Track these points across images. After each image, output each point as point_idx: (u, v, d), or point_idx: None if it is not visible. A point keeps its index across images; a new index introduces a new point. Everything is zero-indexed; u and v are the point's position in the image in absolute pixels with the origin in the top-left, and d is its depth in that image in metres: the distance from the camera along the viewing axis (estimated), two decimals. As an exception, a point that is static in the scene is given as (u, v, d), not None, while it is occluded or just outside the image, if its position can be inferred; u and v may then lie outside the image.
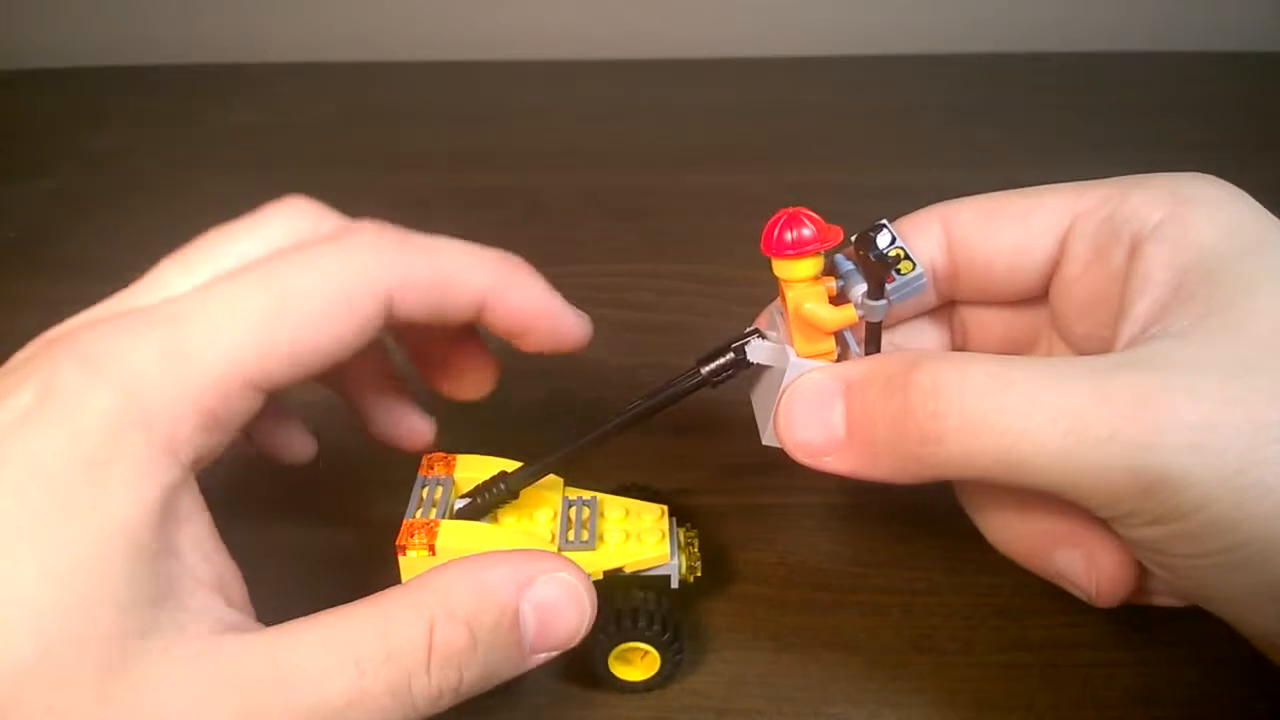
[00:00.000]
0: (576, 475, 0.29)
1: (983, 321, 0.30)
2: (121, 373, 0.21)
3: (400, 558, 0.26)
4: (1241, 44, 0.71)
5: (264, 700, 0.19)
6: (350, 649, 0.20)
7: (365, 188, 0.56)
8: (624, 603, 0.27)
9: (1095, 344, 0.26)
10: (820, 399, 0.24)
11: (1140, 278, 0.24)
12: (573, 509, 0.28)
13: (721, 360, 0.26)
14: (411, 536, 0.26)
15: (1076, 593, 0.26)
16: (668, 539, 0.27)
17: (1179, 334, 0.22)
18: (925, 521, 0.33)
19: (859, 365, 0.24)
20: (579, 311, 0.27)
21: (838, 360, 0.25)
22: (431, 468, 0.29)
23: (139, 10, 0.74)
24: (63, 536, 0.19)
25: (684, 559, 0.28)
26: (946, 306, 0.30)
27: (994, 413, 0.21)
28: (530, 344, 0.27)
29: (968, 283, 0.28)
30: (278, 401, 0.28)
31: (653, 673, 0.28)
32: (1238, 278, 0.22)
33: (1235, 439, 0.20)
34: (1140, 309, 0.23)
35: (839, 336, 0.26)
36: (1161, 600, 0.26)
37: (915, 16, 0.73)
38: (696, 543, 0.29)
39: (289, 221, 0.25)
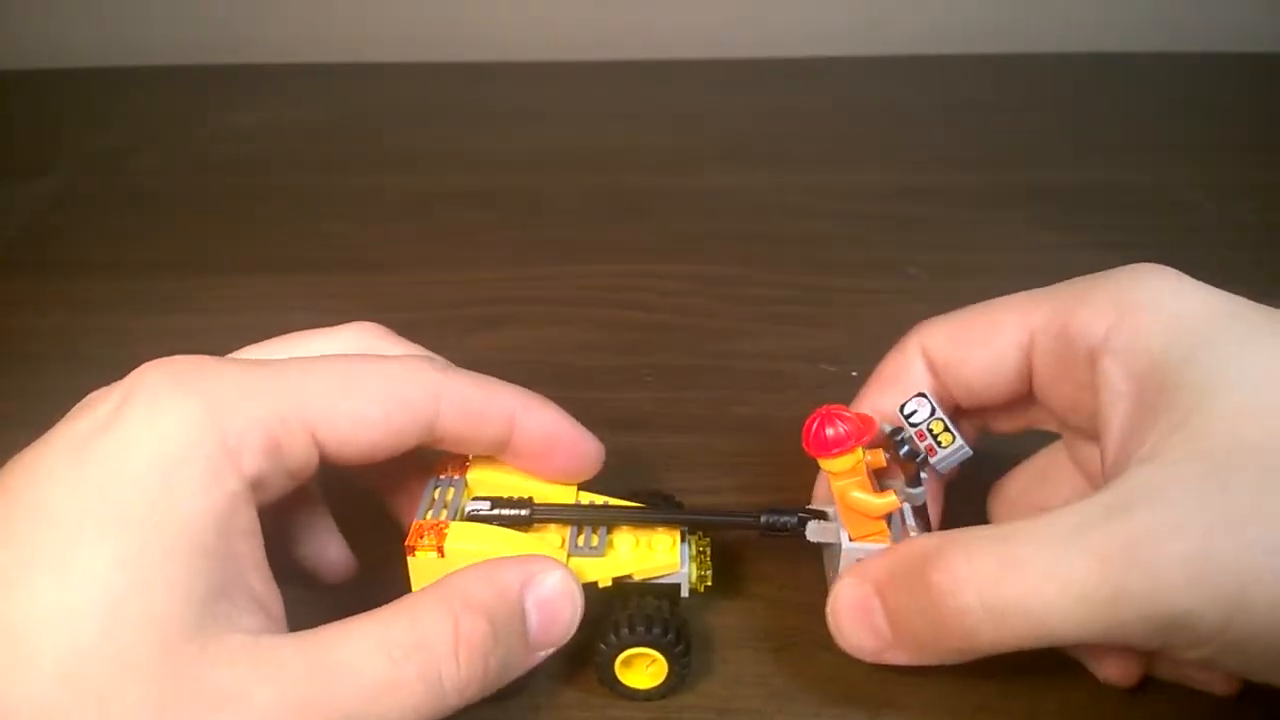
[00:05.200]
0: (588, 481, 0.29)
1: (991, 415, 0.31)
2: (204, 387, 0.22)
3: (409, 559, 0.26)
4: (1243, 45, 0.71)
5: (303, 687, 0.21)
6: (381, 640, 0.22)
7: (366, 188, 0.56)
8: (633, 609, 0.27)
9: (1094, 433, 0.27)
10: (860, 606, 0.26)
11: (1106, 391, 0.25)
12: None
13: (783, 523, 0.28)
14: (421, 538, 0.26)
15: None
16: (678, 547, 0.27)
17: (1150, 457, 0.23)
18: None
19: (880, 564, 0.26)
20: (593, 436, 0.28)
21: (894, 539, 0.27)
22: (445, 468, 0.28)
23: (140, 11, 0.74)
24: (137, 529, 0.20)
25: (694, 568, 0.28)
26: None
27: (1010, 600, 0.22)
28: (555, 465, 0.28)
29: (962, 399, 0.30)
30: (324, 516, 0.29)
31: (660, 680, 0.27)
32: (1190, 384, 0.23)
33: (1227, 563, 0.20)
34: (1115, 426, 0.25)
35: (892, 517, 0.27)
36: (1184, 680, 0.28)
37: (917, 17, 0.73)
38: (708, 551, 0.29)
39: (360, 335, 0.28)
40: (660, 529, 0.28)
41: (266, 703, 0.20)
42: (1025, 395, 0.29)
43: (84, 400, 0.24)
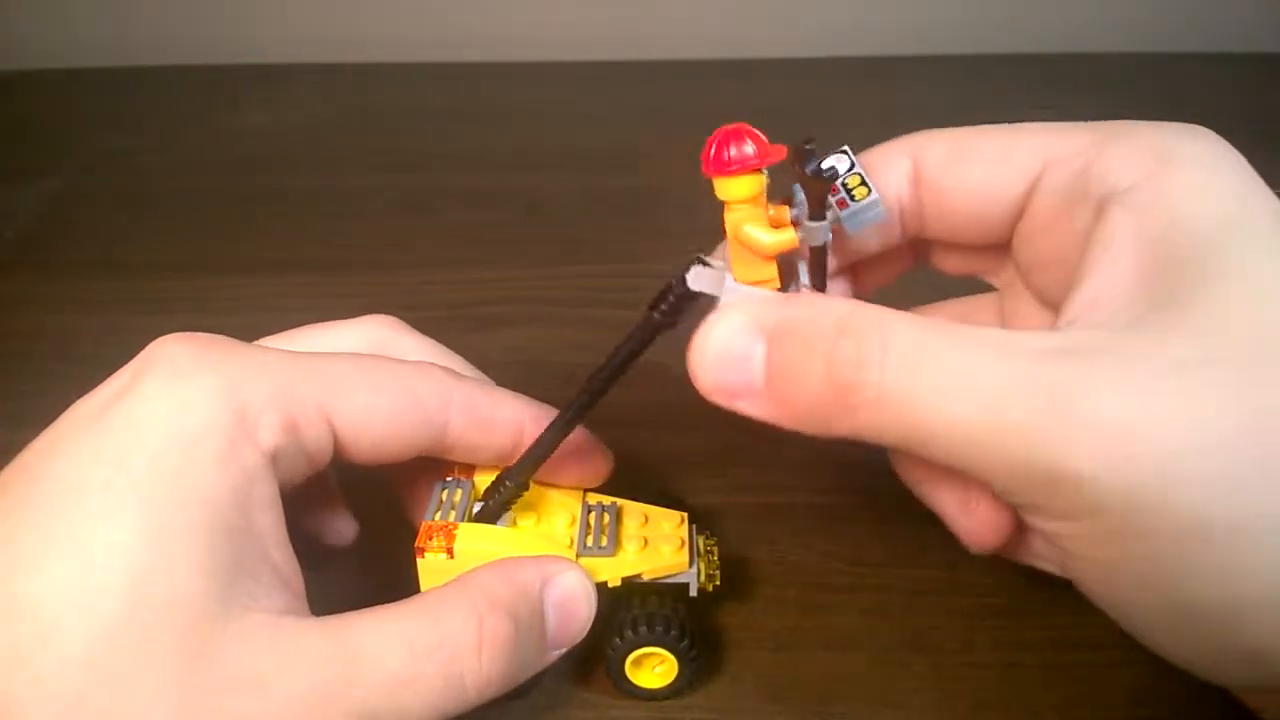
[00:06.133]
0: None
1: (947, 251, 0.28)
2: (222, 362, 0.22)
3: (419, 560, 0.26)
4: (1240, 45, 0.71)
5: (324, 675, 0.21)
6: (404, 635, 0.22)
7: (366, 188, 0.56)
8: (641, 608, 0.27)
9: (1053, 297, 0.24)
10: (739, 344, 0.22)
11: (1101, 246, 0.22)
12: (592, 514, 0.28)
13: (671, 296, 0.24)
14: (430, 539, 0.26)
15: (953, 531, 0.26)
16: (686, 547, 0.27)
17: (1127, 324, 0.20)
18: (925, 521, 0.32)
19: (779, 310, 0.22)
20: (602, 445, 0.28)
21: (784, 289, 0.24)
22: (452, 470, 0.28)
23: (141, 11, 0.74)
24: (158, 504, 0.20)
25: (703, 567, 0.28)
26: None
27: (909, 390, 0.20)
28: (564, 474, 0.28)
29: (934, 223, 0.26)
30: (327, 482, 0.29)
31: (670, 680, 0.28)
32: (1208, 261, 0.20)
33: (1154, 446, 0.18)
34: (1095, 282, 0.21)
35: (788, 265, 0.24)
36: (1044, 565, 0.26)
37: (916, 17, 0.73)
38: (716, 551, 0.29)
39: (376, 327, 0.28)
40: (666, 524, 0.28)
41: (287, 689, 0.20)
42: (1003, 240, 0.26)
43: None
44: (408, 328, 0.29)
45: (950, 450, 0.20)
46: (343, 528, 0.29)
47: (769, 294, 0.23)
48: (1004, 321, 0.27)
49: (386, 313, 0.29)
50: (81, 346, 0.43)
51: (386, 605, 0.23)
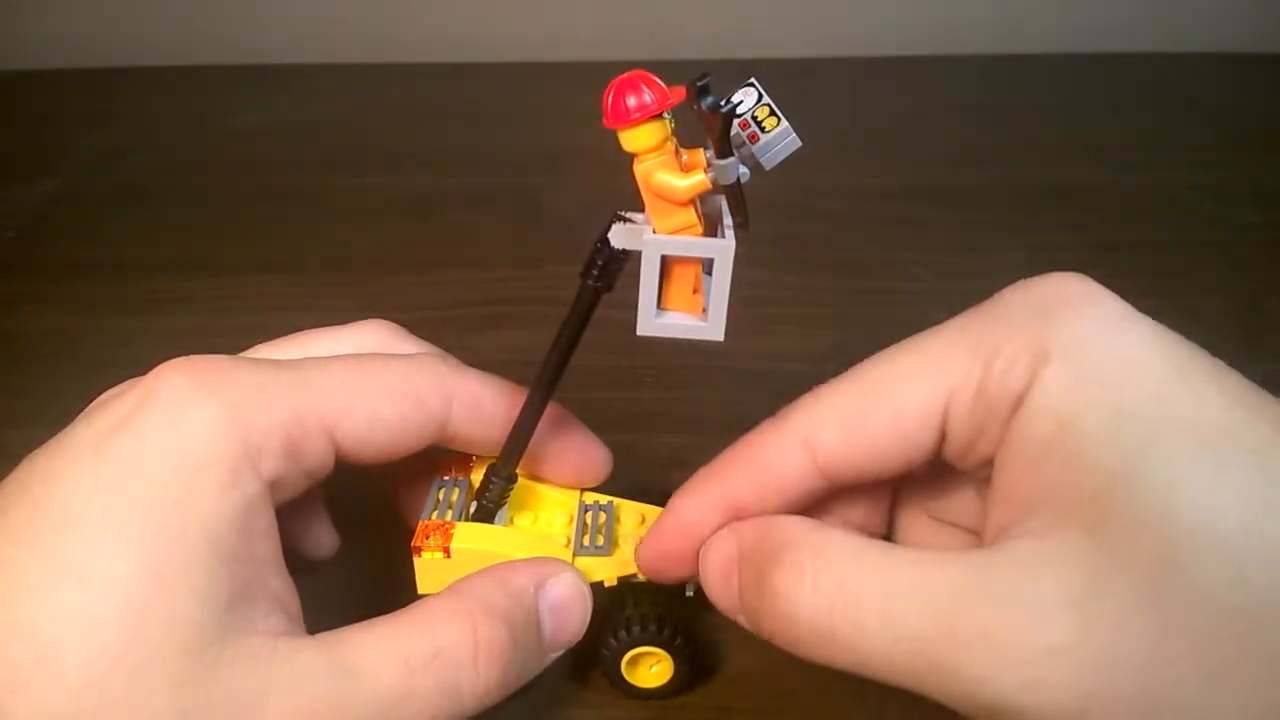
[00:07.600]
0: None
1: None
2: (224, 390, 0.22)
3: (415, 559, 0.26)
4: (1243, 45, 0.71)
5: (321, 693, 0.21)
6: (399, 648, 0.22)
7: (366, 188, 0.56)
8: (635, 608, 0.27)
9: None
10: (724, 566, 0.24)
11: (1009, 453, 0.21)
12: (589, 514, 0.28)
13: (599, 259, 0.24)
14: (427, 538, 0.26)
15: None
16: None
17: (1038, 533, 0.20)
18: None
19: (748, 531, 0.24)
20: (602, 443, 0.29)
21: (708, 234, 0.23)
22: (450, 469, 0.28)
23: (140, 11, 0.74)
24: (159, 533, 0.20)
25: None
26: None
27: (840, 630, 0.21)
28: (564, 469, 0.28)
29: (851, 484, 0.25)
30: (313, 494, 0.28)
31: (667, 679, 0.28)
32: (1099, 463, 0.20)
33: (1074, 678, 0.19)
34: (1004, 491, 0.21)
35: (711, 209, 0.24)
36: None
37: (918, 17, 0.73)
38: None
39: (373, 333, 0.28)
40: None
41: (283, 709, 0.20)
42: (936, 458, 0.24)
43: (98, 400, 0.23)
44: (405, 333, 0.29)
45: (892, 680, 0.21)
46: (324, 540, 0.29)
47: (689, 240, 0.23)
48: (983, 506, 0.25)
49: (386, 313, 0.29)
50: (80, 346, 0.43)
51: (380, 618, 0.23)
